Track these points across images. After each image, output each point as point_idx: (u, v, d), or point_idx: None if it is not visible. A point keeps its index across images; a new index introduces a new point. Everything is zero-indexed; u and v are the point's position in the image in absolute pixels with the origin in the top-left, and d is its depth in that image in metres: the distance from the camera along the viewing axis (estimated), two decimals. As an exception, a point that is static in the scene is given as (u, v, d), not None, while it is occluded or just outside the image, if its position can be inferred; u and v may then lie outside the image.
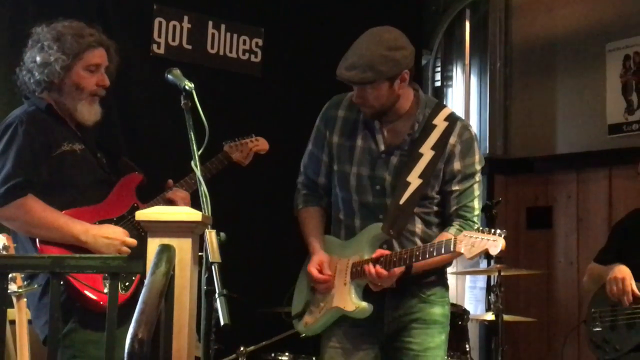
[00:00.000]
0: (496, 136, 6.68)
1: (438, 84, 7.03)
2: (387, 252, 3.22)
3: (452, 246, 3.07)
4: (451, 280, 6.29)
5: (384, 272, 3.17)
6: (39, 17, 4.50)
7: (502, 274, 4.84)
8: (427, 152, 3.30)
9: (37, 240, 3.25)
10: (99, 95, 3.46)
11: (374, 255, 3.22)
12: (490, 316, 4.88)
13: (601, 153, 6.03)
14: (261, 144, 4.07)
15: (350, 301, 3.26)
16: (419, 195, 3.28)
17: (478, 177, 3.37)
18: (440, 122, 3.34)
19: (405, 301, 3.33)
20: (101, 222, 3.34)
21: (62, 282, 3.04)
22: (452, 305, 4.19)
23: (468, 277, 6.34)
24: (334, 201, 3.47)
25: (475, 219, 3.35)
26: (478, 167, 3.36)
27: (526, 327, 5.94)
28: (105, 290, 3.19)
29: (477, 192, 3.36)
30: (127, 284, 3.27)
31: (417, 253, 3.15)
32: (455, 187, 3.32)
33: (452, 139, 3.32)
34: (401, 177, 3.29)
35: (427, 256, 3.13)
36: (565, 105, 6.35)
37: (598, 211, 6.04)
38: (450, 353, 4.35)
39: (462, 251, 3.06)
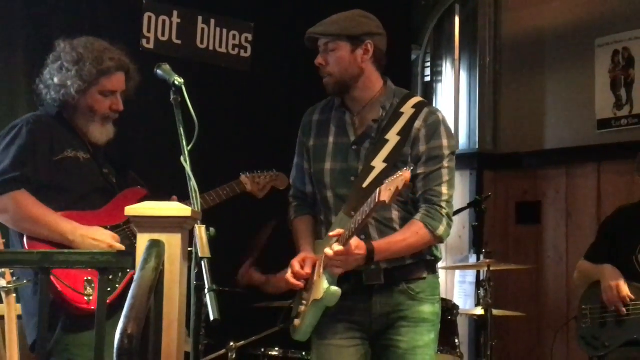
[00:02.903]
0: (485, 131, 6.69)
1: (427, 79, 7.04)
2: (342, 231, 3.15)
3: (377, 197, 2.96)
4: (440, 275, 6.28)
5: (339, 248, 3.10)
6: (27, 14, 4.52)
7: (491, 268, 4.86)
8: (392, 137, 3.29)
9: (25, 236, 3.25)
10: (111, 118, 3.51)
11: (330, 234, 3.18)
12: (479, 311, 4.90)
13: (590, 148, 6.05)
14: (280, 181, 4.10)
15: (321, 289, 3.20)
16: (383, 179, 3.19)
17: (447, 162, 3.31)
18: (407, 110, 3.34)
19: (393, 298, 3.31)
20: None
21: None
22: (442, 300, 4.19)
23: (457, 271, 6.36)
24: (318, 203, 3.47)
25: (443, 204, 3.27)
26: (446, 151, 3.30)
27: (515, 321, 5.96)
28: (85, 292, 3.20)
29: (445, 178, 3.29)
30: (117, 284, 3.28)
31: (358, 217, 3.09)
32: (421, 170, 3.27)
33: (417, 123, 3.30)
34: (367, 163, 3.29)
35: (364, 216, 3.04)
36: (555, 100, 6.37)
37: (587, 206, 6.05)
38: (440, 348, 4.34)
39: (384, 199, 2.93)
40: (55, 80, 3.39)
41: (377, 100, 3.38)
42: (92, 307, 3.17)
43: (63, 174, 3.34)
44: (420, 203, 3.29)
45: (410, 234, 3.25)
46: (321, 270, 3.24)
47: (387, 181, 2.98)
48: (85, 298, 3.21)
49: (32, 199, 3.24)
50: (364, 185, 3.26)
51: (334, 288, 3.18)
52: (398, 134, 3.29)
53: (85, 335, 3.16)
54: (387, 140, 3.30)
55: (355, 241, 3.13)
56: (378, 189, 2.98)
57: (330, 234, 3.18)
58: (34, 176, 3.27)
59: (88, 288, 3.22)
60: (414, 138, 3.29)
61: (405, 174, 2.92)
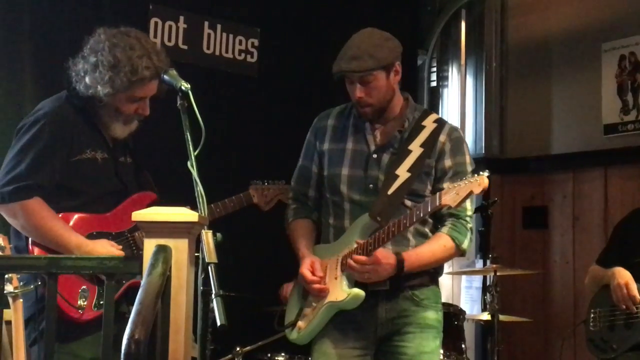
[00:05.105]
0: (492, 136, 6.69)
1: (434, 84, 7.04)
2: (364, 241, 3.20)
3: (437, 200, 3.05)
4: (447, 280, 6.32)
5: (362, 257, 3.16)
6: (33, 18, 4.53)
7: (498, 273, 4.85)
8: (416, 149, 3.36)
9: (30, 240, 3.25)
10: (134, 119, 3.44)
11: (357, 240, 3.23)
12: (486, 316, 4.89)
13: (597, 153, 6.05)
14: (287, 194, 4.07)
15: (342, 290, 3.23)
16: (408, 188, 3.30)
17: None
18: (429, 124, 3.42)
19: (399, 304, 3.32)
20: (99, 233, 3.33)
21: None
22: (449, 305, 4.18)
23: (464, 277, 6.35)
24: (324, 208, 3.49)
25: (468, 218, 3.38)
26: (469, 167, 3.40)
27: (522, 326, 5.94)
28: (78, 304, 3.18)
29: None
30: (101, 302, 3.25)
31: (404, 220, 3.15)
32: (446, 184, 3.30)
33: (442, 137, 3.39)
34: (390, 172, 3.33)
35: (415, 219, 3.11)
36: (561, 105, 6.36)
37: (594, 211, 6.04)
38: (447, 353, 4.34)
39: (448, 202, 3.05)
40: (87, 79, 3.30)
41: (401, 116, 3.43)
42: (84, 318, 3.19)
43: (78, 175, 3.31)
44: (446, 217, 3.37)
45: (438, 247, 3.33)
46: (338, 272, 3.25)
47: (452, 186, 3.07)
48: (79, 311, 3.20)
49: (44, 208, 3.20)
50: (389, 192, 3.30)
51: (359, 291, 3.22)
52: (421, 146, 3.36)
53: (72, 344, 3.14)
54: (410, 151, 3.35)
55: (382, 251, 3.18)
56: (438, 193, 3.10)
57: (358, 240, 3.22)
58: (48, 182, 3.24)
59: (80, 300, 3.20)
60: (440, 151, 3.37)
61: (482, 180, 3.00)
